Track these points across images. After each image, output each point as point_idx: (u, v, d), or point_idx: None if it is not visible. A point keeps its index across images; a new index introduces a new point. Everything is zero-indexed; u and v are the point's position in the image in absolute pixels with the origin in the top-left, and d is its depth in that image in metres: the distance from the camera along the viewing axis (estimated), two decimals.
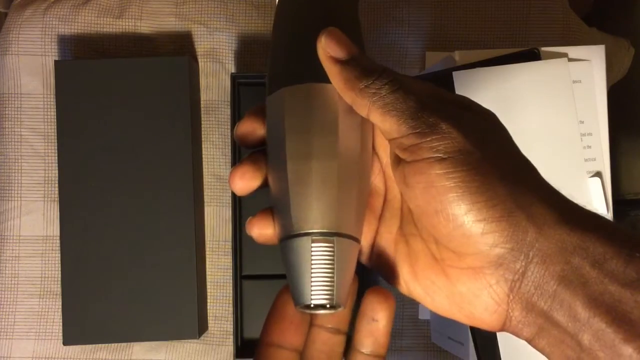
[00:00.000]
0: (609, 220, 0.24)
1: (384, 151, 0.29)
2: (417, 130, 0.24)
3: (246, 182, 0.27)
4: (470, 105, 0.26)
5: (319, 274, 0.24)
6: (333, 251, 0.24)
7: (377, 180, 0.29)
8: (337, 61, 0.26)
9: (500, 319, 0.24)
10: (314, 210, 0.25)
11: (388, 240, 0.28)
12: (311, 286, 0.24)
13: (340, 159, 0.25)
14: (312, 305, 0.24)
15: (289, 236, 0.25)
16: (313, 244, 0.24)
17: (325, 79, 0.26)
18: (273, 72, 0.28)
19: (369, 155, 0.27)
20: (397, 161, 0.26)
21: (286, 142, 0.26)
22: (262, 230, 0.27)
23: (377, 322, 0.25)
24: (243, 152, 0.58)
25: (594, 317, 0.22)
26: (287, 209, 0.25)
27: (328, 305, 0.24)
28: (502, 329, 0.25)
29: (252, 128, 0.28)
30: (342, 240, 0.25)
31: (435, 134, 0.23)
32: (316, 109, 0.26)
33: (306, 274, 0.24)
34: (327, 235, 0.24)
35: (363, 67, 0.25)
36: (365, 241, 0.29)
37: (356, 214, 0.26)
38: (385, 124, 0.25)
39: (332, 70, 0.26)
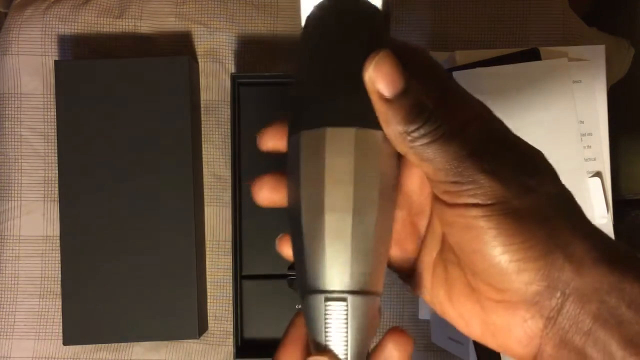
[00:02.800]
0: None
1: None
2: (454, 180, 0.24)
3: (267, 192, 0.28)
4: (517, 145, 0.25)
5: (332, 333, 0.24)
6: (347, 310, 0.24)
7: (425, 201, 0.29)
8: (382, 97, 0.24)
9: (532, 352, 0.25)
10: (326, 269, 0.25)
11: (428, 263, 0.28)
12: (325, 345, 0.25)
13: (355, 212, 0.25)
14: None
15: (304, 292, 0.25)
16: (326, 303, 0.24)
17: (343, 122, 0.25)
18: (293, 110, 0.27)
19: (391, 200, 0.27)
20: (437, 198, 0.26)
21: (301, 194, 0.25)
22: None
23: None
24: (243, 152, 0.58)
25: (630, 357, 0.22)
26: (303, 265, 0.25)
27: None
28: None
29: (276, 144, 0.28)
30: (357, 298, 0.25)
31: (473, 185, 0.24)
32: (332, 156, 0.25)
33: (321, 331, 0.25)
34: (340, 294, 0.24)
35: (407, 111, 0.24)
36: (407, 260, 0.29)
37: (373, 267, 0.25)
38: (423, 168, 0.25)
39: (375, 105, 0.25)
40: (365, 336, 0.25)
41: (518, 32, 0.60)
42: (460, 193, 0.24)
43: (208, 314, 0.60)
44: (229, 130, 0.60)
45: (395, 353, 0.25)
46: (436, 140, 0.24)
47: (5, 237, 0.60)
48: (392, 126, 0.24)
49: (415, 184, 0.28)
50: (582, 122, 0.55)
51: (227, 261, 0.60)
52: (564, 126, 0.55)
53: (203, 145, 0.61)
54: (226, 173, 0.60)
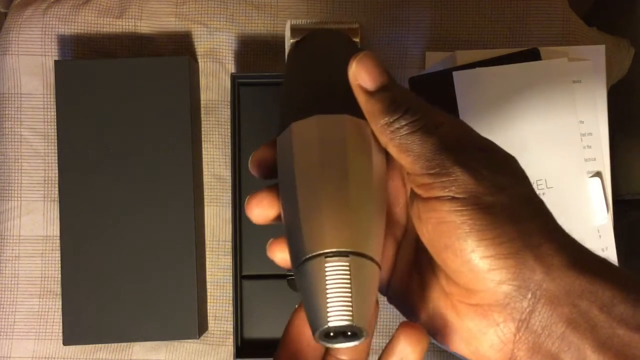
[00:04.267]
0: (617, 266, 0.24)
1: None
2: (431, 171, 0.24)
3: (263, 209, 0.28)
4: (490, 148, 0.26)
5: (335, 293, 0.23)
6: (349, 269, 0.23)
7: (401, 212, 0.29)
8: (364, 91, 0.26)
9: (505, 358, 0.25)
10: (326, 230, 0.23)
11: (404, 272, 0.29)
12: (327, 307, 0.22)
13: (352, 182, 0.25)
14: (331, 333, 0.23)
15: (302, 261, 0.24)
16: (327, 264, 0.23)
17: (332, 110, 0.26)
18: (281, 115, 0.28)
19: (383, 181, 0.27)
20: (413, 195, 0.26)
21: (295, 169, 0.25)
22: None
23: None
24: (243, 152, 0.58)
25: None
26: (299, 234, 0.24)
27: (349, 333, 0.23)
28: None
29: (267, 155, 0.28)
30: (359, 259, 0.23)
31: (449, 176, 0.24)
32: (325, 138, 0.26)
33: (322, 295, 0.23)
34: (341, 254, 0.23)
35: (388, 103, 0.25)
36: (384, 271, 0.29)
37: (372, 235, 0.25)
38: (401, 161, 0.25)
39: (359, 99, 0.26)
40: (368, 303, 0.23)
41: (518, 32, 0.60)
42: (435, 185, 0.24)
43: (208, 314, 0.60)
44: (229, 130, 0.60)
45: (409, 349, 0.24)
46: (416, 132, 0.25)
47: (5, 237, 0.60)
48: (375, 118, 0.26)
49: (392, 194, 0.29)
50: (582, 122, 0.55)
51: (227, 261, 0.60)
52: (564, 126, 0.55)
53: (203, 145, 0.61)
54: (226, 173, 0.60)
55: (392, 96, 0.25)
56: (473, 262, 0.23)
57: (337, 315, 0.22)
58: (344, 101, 0.27)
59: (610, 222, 0.55)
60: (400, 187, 0.29)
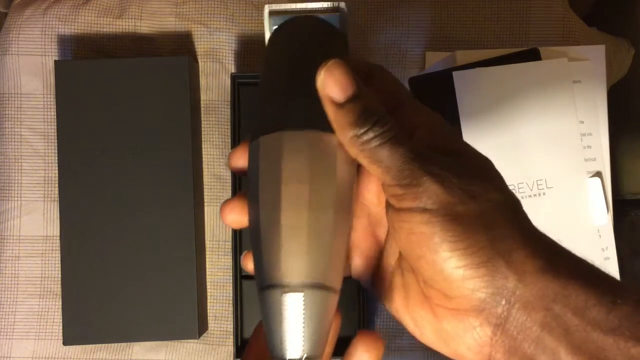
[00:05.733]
0: (594, 266, 0.24)
1: None
2: (402, 182, 0.24)
3: (236, 215, 0.28)
4: (463, 153, 0.26)
5: (289, 327, 0.24)
6: (304, 302, 0.24)
7: (382, 211, 0.29)
8: (332, 102, 0.25)
9: (484, 359, 0.25)
10: (283, 262, 0.24)
11: (387, 271, 0.29)
12: (282, 340, 0.24)
13: (311, 208, 0.25)
14: (286, 359, 0.24)
15: (261, 287, 0.25)
16: (283, 296, 0.24)
17: (299, 126, 0.26)
18: (255, 121, 0.28)
19: (347, 202, 0.27)
20: (387, 204, 0.26)
21: (259, 192, 0.26)
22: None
23: None
24: None
25: None
26: (261, 261, 0.25)
27: (303, 359, 0.24)
28: None
29: (244, 159, 0.28)
30: (315, 291, 0.24)
31: (418, 187, 0.24)
32: (289, 157, 0.25)
33: (277, 327, 0.24)
34: (296, 287, 0.24)
35: (357, 115, 0.25)
36: (370, 270, 0.29)
37: (330, 263, 0.25)
38: (373, 172, 0.25)
39: (327, 110, 0.26)
40: (322, 332, 0.25)
41: (518, 32, 0.60)
42: (406, 196, 0.24)
43: (208, 314, 0.60)
44: (229, 130, 0.60)
45: (366, 355, 0.25)
46: (385, 143, 0.24)
47: (5, 237, 0.60)
48: (343, 130, 0.25)
49: (373, 194, 0.29)
50: (582, 122, 0.55)
51: (227, 261, 0.60)
52: (564, 126, 0.55)
53: (203, 145, 0.61)
54: (226, 173, 0.60)
55: (361, 107, 0.25)
56: (446, 271, 0.24)
57: (290, 347, 0.24)
58: (312, 112, 0.26)
59: (610, 222, 0.55)
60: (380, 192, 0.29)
